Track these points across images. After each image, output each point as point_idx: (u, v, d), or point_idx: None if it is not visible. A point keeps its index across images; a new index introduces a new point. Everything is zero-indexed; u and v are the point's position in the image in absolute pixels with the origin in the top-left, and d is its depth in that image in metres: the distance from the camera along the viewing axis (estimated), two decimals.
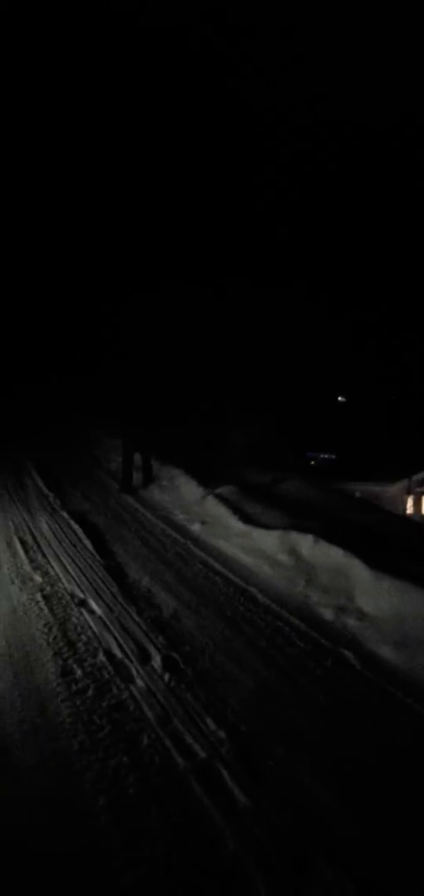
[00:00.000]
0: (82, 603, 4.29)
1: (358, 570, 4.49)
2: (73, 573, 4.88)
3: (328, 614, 4.17)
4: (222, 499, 7.04)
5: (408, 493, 24.03)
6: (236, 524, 6.14)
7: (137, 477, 8.44)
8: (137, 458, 8.48)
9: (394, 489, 23.18)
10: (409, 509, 23.81)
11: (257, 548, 5.51)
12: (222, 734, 2.78)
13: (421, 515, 23.57)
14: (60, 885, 2.04)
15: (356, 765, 2.63)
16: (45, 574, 4.84)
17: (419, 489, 24.31)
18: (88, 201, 20.60)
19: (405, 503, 23.77)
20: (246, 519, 6.22)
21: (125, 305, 18.37)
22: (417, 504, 24.44)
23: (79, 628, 3.87)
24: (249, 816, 2.31)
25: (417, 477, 23.89)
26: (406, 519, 11.64)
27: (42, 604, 4.24)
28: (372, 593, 4.21)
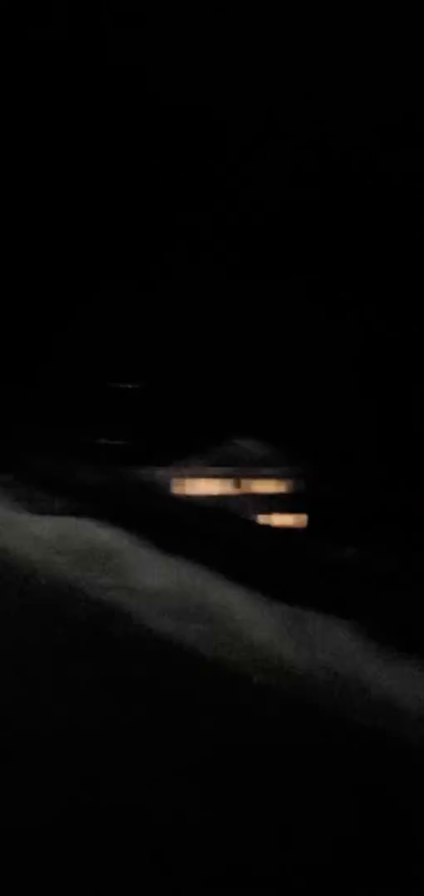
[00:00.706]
0: None
1: (132, 551, 4.72)
2: None
3: (103, 594, 4.29)
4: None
5: (175, 476, 25.86)
6: (12, 514, 5.88)
7: None
8: None
9: (164, 472, 24.70)
10: (176, 490, 25.67)
11: (37, 536, 5.36)
12: None
13: (186, 496, 25.61)
14: None
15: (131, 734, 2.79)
16: None
17: (183, 472, 26.33)
18: None
19: (173, 485, 25.57)
20: (27, 507, 6.01)
21: None
22: (181, 486, 26.53)
23: None
24: None
25: (183, 462, 25.86)
26: (176, 498, 12.47)
27: None
28: (145, 571, 4.46)
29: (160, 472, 22.51)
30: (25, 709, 2.89)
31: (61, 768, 2.50)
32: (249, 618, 3.69)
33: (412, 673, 3.30)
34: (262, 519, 13.06)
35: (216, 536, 5.66)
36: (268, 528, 10.20)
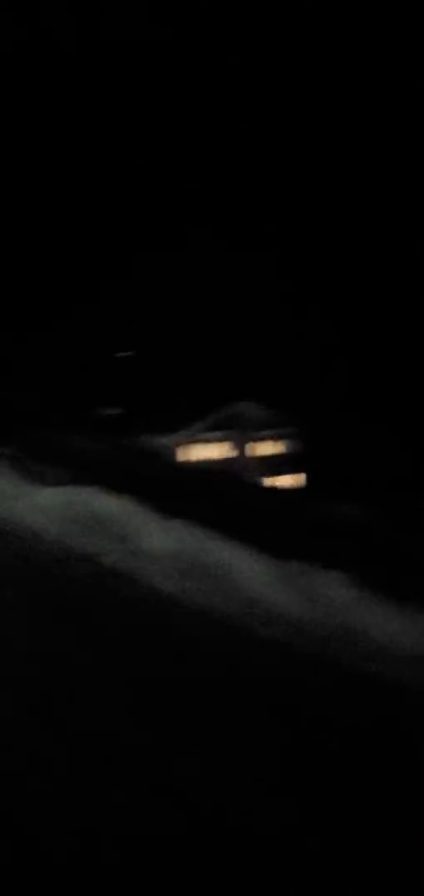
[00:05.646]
0: None
1: (135, 516, 4.91)
2: None
3: (108, 557, 4.49)
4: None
5: (176, 442, 25.95)
6: (16, 486, 6.03)
7: None
8: None
9: (165, 439, 24.84)
10: (177, 456, 25.81)
11: (43, 506, 5.52)
12: None
13: (190, 462, 25.78)
14: None
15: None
16: None
17: (183, 438, 26.39)
18: None
19: (173, 451, 25.72)
20: (30, 479, 6.15)
21: None
22: (182, 452, 26.65)
23: None
24: None
25: (182, 428, 25.92)
26: (177, 464, 12.60)
27: None
28: (149, 535, 4.65)
29: (161, 440, 22.53)
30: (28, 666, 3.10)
31: (66, 724, 2.70)
32: (248, 574, 3.88)
33: (408, 619, 3.49)
34: (262, 480, 13.25)
35: (217, 499, 5.82)
36: (268, 489, 10.38)
